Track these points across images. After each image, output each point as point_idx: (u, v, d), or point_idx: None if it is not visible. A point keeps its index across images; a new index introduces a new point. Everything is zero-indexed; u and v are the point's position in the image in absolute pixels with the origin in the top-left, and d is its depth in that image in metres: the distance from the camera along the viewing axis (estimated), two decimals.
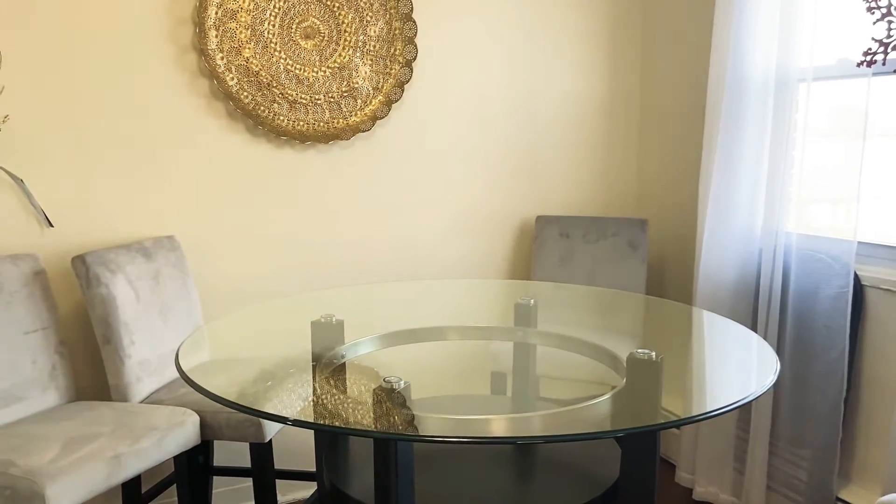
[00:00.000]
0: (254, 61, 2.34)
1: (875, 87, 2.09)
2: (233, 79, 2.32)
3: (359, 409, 1.26)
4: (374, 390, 1.25)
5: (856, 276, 2.09)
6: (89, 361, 2.27)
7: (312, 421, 1.20)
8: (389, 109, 2.55)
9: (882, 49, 1.95)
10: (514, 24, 2.75)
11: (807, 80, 2.12)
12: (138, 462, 1.76)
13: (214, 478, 2.49)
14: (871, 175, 2.13)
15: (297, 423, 1.21)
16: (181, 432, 1.87)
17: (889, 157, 2.09)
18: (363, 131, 2.52)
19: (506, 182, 2.84)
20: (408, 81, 2.56)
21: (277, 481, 2.55)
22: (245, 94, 2.34)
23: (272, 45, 2.36)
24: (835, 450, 2.10)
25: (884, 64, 1.97)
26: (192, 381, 1.35)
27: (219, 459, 2.49)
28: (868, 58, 1.98)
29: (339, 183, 2.57)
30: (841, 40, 2.18)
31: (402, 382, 1.26)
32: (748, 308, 2.33)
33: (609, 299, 2.21)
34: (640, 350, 1.36)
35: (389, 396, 1.25)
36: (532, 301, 1.93)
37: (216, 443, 2.47)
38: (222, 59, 2.30)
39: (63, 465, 1.63)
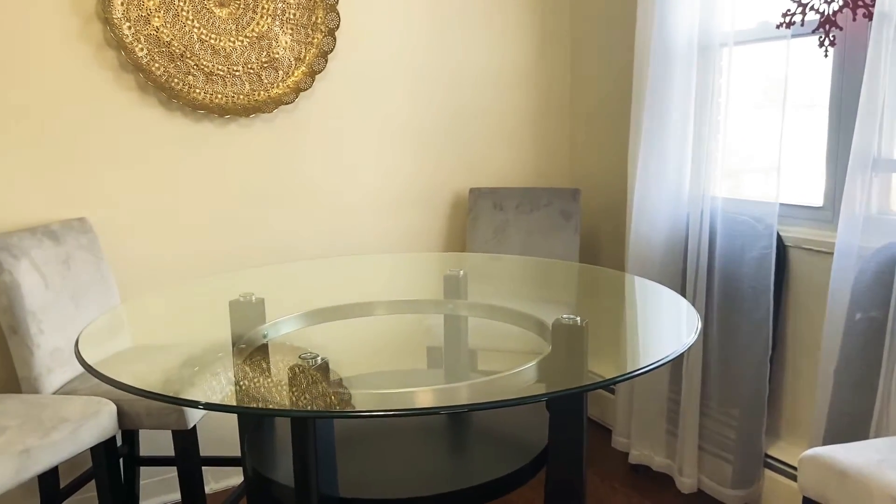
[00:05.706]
0: (164, 31, 2.21)
1: (794, 48, 2.11)
2: (142, 49, 2.19)
3: (276, 389, 1.20)
4: (290, 368, 1.19)
5: (779, 236, 2.12)
6: None
7: (225, 403, 1.13)
8: (313, 81, 2.46)
9: (800, 10, 1.96)
10: None
11: (728, 44, 2.13)
12: (50, 455, 1.67)
13: (142, 469, 2.39)
14: (791, 137, 2.16)
15: (210, 407, 1.14)
16: (96, 423, 1.78)
17: (807, 118, 2.12)
18: (286, 104, 2.43)
19: (437, 154, 2.78)
20: (331, 51, 2.47)
21: (208, 468, 2.48)
22: (156, 65, 2.22)
23: (184, 13, 2.24)
24: (762, 408, 2.14)
25: (802, 24, 1.99)
26: (90, 366, 1.27)
27: (147, 449, 2.39)
28: (787, 19, 2.00)
29: (262, 158, 2.47)
30: (761, 3, 2.19)
31: (318, 359, 1.20)
32: (677, 272, 2.35)
33: (541, 268, 2.19)
34: (565, 316, 1.34)
35: (306, 374, 1.19)
36: (461, 272, 1.89)
37: (144, 433, 2.37)
38: (129, 28, 2.17)
39: None
